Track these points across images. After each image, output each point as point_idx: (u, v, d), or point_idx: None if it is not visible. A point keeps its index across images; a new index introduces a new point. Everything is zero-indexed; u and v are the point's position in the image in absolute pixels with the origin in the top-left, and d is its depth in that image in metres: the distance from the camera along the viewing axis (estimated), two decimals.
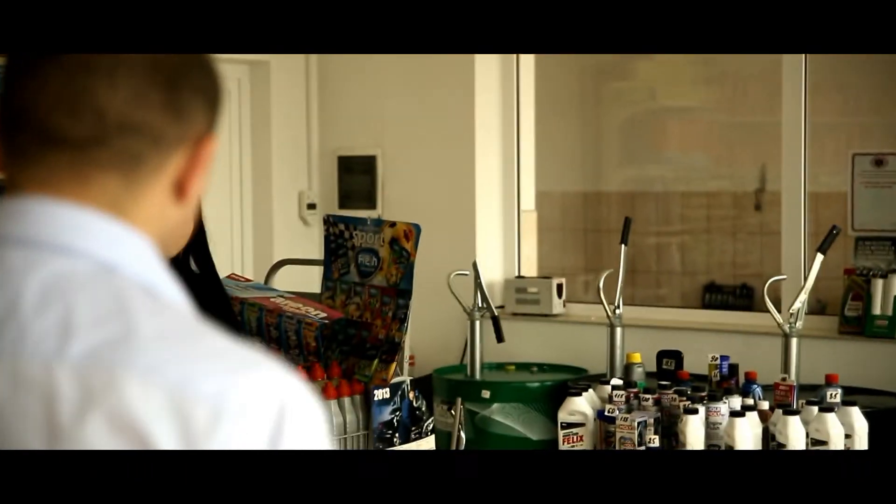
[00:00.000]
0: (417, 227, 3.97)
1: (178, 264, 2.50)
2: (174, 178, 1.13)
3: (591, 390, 3.74)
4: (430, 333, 5.05)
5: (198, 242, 2.59)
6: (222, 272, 4.81)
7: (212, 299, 2.68)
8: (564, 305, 5.23)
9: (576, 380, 4.58)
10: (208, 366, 1.04)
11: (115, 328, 1.04)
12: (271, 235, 5.51)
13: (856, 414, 3.24)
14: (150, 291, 1.09)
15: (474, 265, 4.77)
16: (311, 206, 5.63)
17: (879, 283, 4.36)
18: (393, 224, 4.05)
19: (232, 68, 5.41)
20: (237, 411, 1.02)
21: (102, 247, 1.09)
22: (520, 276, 5.36)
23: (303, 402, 1.06)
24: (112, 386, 1.01)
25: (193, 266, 2.62)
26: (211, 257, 2.65)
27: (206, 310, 2.52)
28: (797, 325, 3.86)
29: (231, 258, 5.41)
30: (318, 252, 5.27)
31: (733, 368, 3.48)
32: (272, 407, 1.03)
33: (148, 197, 1.12)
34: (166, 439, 1.01)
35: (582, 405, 3.63)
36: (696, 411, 3.18)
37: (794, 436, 3.10)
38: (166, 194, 1.13)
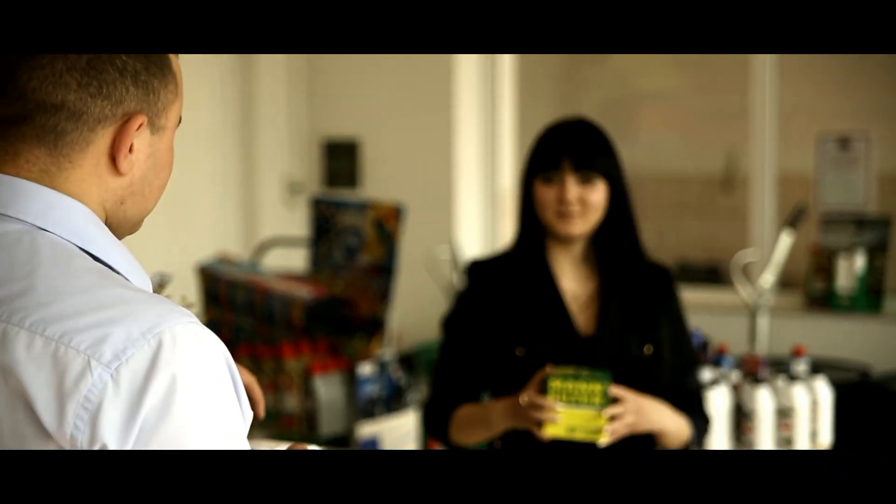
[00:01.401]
0: (402, 209, 4.09)
1: (609, 245, 2.57)
2: (107, 151, 1.24)
3: None
4: (411, 310, 5.16)
5: (628, 231, 2.59)
6: (209, 251, 4.92)
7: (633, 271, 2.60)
8: None
9: None
10: (89, 319, 1.13)
11: (19, 286, 1.16)
12: (257, 216, 5.59)
13: (821, 384, 3.35)
14: (74, 250, 1.21)
15: (453, 244, 4.88)
16: (297, 188, 5.72)
17: (842, 259, 4.50)
18: (378, 205, 4.16)
19: None
20: (108, 361, 1.11)
21: (32, 211, 1.21)
22: None
23: (179, 353, 1.13)
24: (4, 339, 1.14)
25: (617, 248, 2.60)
26: (636, 241, 2.60)
27: (626, 283, 2.58)
28: (765, 300, 3.98)
29: (218, 239, 5.49)
30: (302, 232, 5.37)
31: (705, 342, 3.59)
32: (142, 358, 1.12)
33: (78, 168, 1.23)
34: (44, 391, 1.12)
35: None
36: None
37: (762, 405, 3.20)
38: (102, 166, 1.25)
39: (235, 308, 4.18)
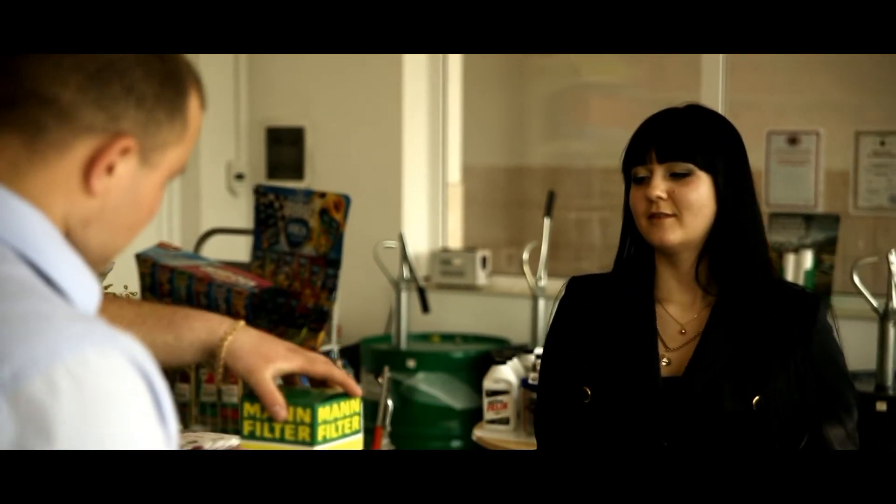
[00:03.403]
0: (347, 198, 4.03)
1: (723, 259, 2.06)
2: (85, 163, 1.14)
3: (515, 359, 3.83)
4: (356, 303, 5.11)
5: (743, 239, 2.08)
6: (150, 242, 4.83)
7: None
8: (488, 277, 5.31)
9: (499, 350, 4.68)
10: None
11: None
12: (199, 205, 5.51)
13: None
14: (6, 254, 1.10)
15: (400, 237, 4.83)
16: (239, 177, 5.64)
17: (791, 257, 4.50)
18: (323, 195, 4.09)
19: None
20: (4, 382, 0.99)
21: None
22: (445, 249, 5.44)
23: (84, 382, 1.01)
24: None
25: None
26: (755, 253, 2.09)
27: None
28: None
29: (159, 227, 5.41)
30: (245, 222, 5.29)
31: None
32: (43, 384, 0.99)
33: (51, 171, 1.13)
34: None
35: (506, 373, 3.72)
36: None
37: None
38: (75, 179, 1.14)
39: (176, 297, 4.09)
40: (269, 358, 1.63)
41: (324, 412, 1.58)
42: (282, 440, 1.57)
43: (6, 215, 1.11)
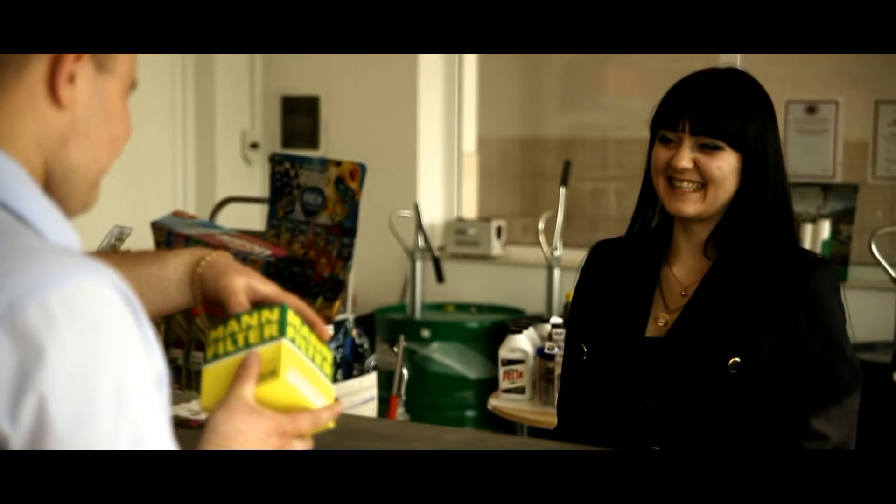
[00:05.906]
0: (363, 167, 4.02)
1: (733, 229, 2.04)
2: (45, 78, 1.13)
3: (530, 329, 3.83)
4: (371, 272, 5.11)
5: (762, 214, 2.03)
6: (165, 210, 4.83)
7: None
8: (503, 247, 5.31)
9: (515, 319, 4.68)
10: None
11: None
12: (214, 174, 5.52)
13: None
14: None
15: (415, 206, 4.82)
16: (254, 146, 5.64)
17: (809, 227, 4.49)
18: (339, 163, 4.08)
19: None
20: (0, 312, 1.00)
21: None
22: (460, 218, 5.43)
23: (80, 309, 1.02)
24: None
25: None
26: (769, 226, 2.05)
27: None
28: None
29: (174, 196, 5.42)
30: (259, 191, 5.29)
31: None
32: (40, 312, 1.00)
33: (13, 95, 1.12)
34: None
35: (522, 343, 3.72)
36: None
37: None
38: (39, 96, 1.13)
39: None
40: (245, 273, 1.55)
41: (293, 316, 1.44)
42: (246, 346, 1.40)
43: None
